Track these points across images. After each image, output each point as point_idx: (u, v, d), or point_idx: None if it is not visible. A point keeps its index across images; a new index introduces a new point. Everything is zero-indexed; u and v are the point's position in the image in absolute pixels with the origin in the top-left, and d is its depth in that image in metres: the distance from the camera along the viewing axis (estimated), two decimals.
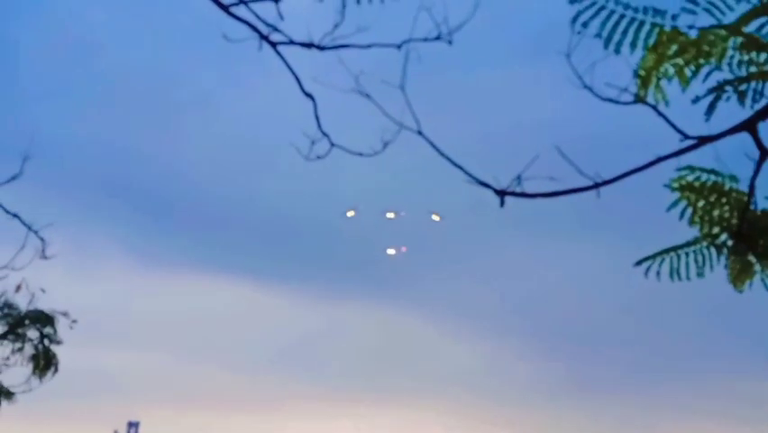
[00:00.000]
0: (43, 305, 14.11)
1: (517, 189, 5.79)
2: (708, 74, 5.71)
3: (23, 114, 18.09)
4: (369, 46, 11.78)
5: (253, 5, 12.09)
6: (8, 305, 14.05)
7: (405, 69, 5.96)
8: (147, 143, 20.12)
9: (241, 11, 12.10)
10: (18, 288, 13.56)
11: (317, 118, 12.42)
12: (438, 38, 11.23)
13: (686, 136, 5.46)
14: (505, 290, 20.61)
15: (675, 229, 6.61)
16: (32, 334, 14.06)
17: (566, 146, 6.05)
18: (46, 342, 14.06)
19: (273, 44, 12.05)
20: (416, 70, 7.54)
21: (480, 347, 21.48)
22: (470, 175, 5.85)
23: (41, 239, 12.04)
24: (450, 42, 11.35)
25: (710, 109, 5.47)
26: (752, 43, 5.54)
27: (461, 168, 5.84)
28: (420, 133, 5.85)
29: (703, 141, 5.42)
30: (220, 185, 20.34)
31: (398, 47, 11.57)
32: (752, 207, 6.13)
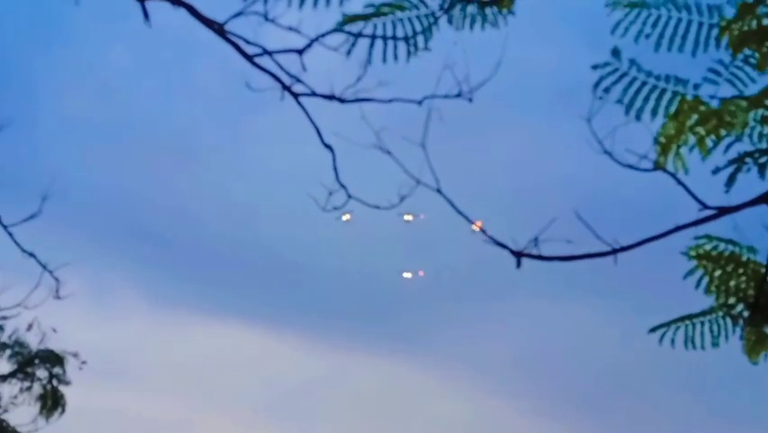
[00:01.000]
0: (54, 345, 14.12)
1: (534, 251, 5.79)
2: (730, 145, 5.73)
3: (44, 153, 18.23)
4: (390, 101, 11.89)
5: (277, 56, 12.27)
6: (19, 343, 14.06)
7: (426, 126, 5.97)
8: (166, 188, 20.23)
9: (264, 61, 12.30)
10: (29, 327, 13.59)
11: (335, 170, 12.55)
12: (459, 95, 11.39)
13: (705, 206, 5.47)
14: (512, 348, 20.46)
15: (691, 297, 6.59)
16: (41, 373, 14.06)
17: (585, 209, 6.06)
18: (54, 382, 14.05)
19: (295, 95, 12.19)
20: (437, 127, 7.56)
21: (482, 404, 21.27)
22: (487, 235, 5.86)
23: (56, 279, 12.06)
24: (470, 100, 11.50)
25: (730, 180, 5.48)
26: None
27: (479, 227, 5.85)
28: (439, 191, 5.87)
29: (723, 212, 5.43)
30: (235, 231, 20.37)
31: (419, 103, 11.72)
32: None
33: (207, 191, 19.91)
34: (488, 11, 5.20)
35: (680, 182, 5.91)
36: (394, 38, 5.30)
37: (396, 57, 5.36)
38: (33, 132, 17.26)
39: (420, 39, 5.30)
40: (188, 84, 18.54)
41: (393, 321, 20.76)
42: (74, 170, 18.06)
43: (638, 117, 6.24)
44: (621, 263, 5.92)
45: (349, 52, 5.25)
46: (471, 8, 5.22)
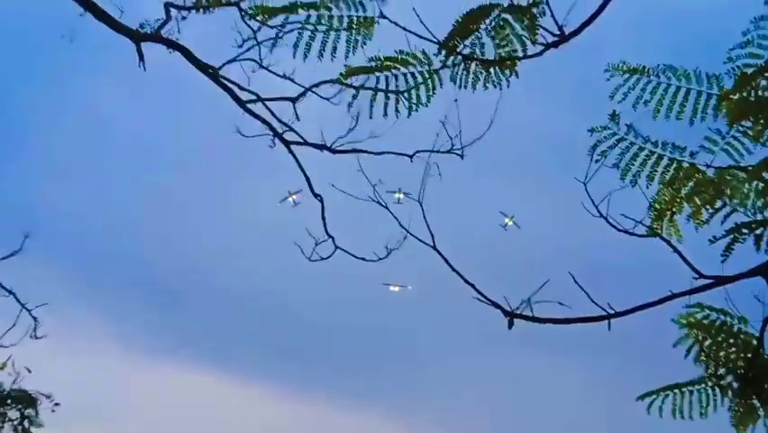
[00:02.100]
0: (28, 385, 13.87)
1: (527, 312, 5.74)
2: (727, 216, 5.73)
3: (28, 189, 18.12)
4: (381, 153, 11.97)
5: (270, 103, 12.28)
6: None
7: (423, 182, 5.94)
8: (152, 228, 20.08)
9: (257, 107, 12.30)
10: (3, 365, 13.37)
11: (324, 220, 12.56)
12: (450, 151, 11.42)
13: (700, 275, 5.44)
14: (498, 407, 20.29)
15: (681, 365, 6.54)
16: (13, 414, 13.78)
17: (578, 271, 6.04)
18: (26, 423, 13.77)
19: (287, 143, 12.23)
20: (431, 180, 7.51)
21: None
22: (480, 293, 5.81)
23: (34, 318, 11.97)
24: (462, 157, 11.53)
25: (727, 251, 5.46)
26: None
27: (472, 285, 5.81)
28: (434, 248, 5.82)
29: (719, 282, 5.40)
30: (215, 278, 20.21)
31: (411, 157, 11.75)
32: (761, 351, 6.07)
33: (189, 236, 19.82)
34: (492, 71, 5.18)
35: (675, 250, 5.90)
36: (396, 93, 5.26)
37: (397, 112, 5.32)
38: (18, 167, 17.17)
39: (422, 95, 5.26)
40: (179, 122, 18.52)
41: (377, 374, 20.60)
42: (57, 207, 17.94)
43: (634, 183, 6.24)
44: (613, 325, 5.88)
45: (350, 105, 5.21)
46: (475, 67, 5.20)
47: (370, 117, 5.44)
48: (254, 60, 11.85)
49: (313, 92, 12.02)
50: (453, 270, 5.70)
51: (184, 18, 11.65)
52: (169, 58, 11.68)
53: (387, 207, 6.20)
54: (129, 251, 19.64)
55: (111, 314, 19.97)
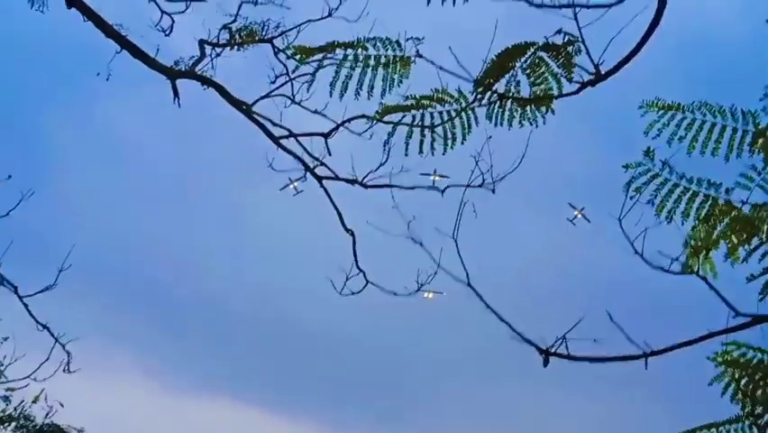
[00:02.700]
0: (61, 419, 13.93)
1: (563, 350, 5.70)
2: (765, 254, 5.69)
3: (63, 224, 18.31)
4: (413, 188, 11.99)
5: (302, 138, 12.37)
6: (25, 417, 13.86)
7: (458, 219, 5.94)
8: (184, 261, 20.21)
9: (289, 141, 12.40)
10: (36, 399, 13.44)
11: (355, 254, 12.57)
12: (482, 185, 11.42)
13: (738, 313, 5.39)
14: None
15: (717, 404, 6.46)
16: None
17: (614, 308, 6.00)
18: None
19: (319, 178, 12.29)
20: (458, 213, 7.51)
21: None
22: (515, 331, 5.79)
23: (67, 352, 12.04)
24: (493, 192, 11.52)
25: (765, 290, 5.42)
26: None
27: (507, 323, 5.78)
28: (469, 285, 5.81)
29: (757, 321, 5.35)
30: (247, 310, 20.28)
31: (442, 192, 11.78)
32: None
33: (222, 271, 19.90)
34: (527, 109, 5.21)
35: (711, 287, 5.84)
36: (432, 127, 5.30)
37: (432, 150, 5.36)
38: (53, 202, 17.35)
39: (458, 133, 5.30)
40: (209, 154, 18.68)
41: (396, 400, 20.52)
42: (91, 242, 18.08)
43: (669, 219, 6.21)
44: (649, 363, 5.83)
45: (386, 143, 5.24)
46: (511, 105, 5.23)
47: (406, 155, 5.46)
48: (287, 96, 11.96)
49: (345, 127, 12.10)
50: (488, 307, 5.68)
51: (218, 55, 11.83)
52: (203, 92, 11.82)
53: (421, 244, 6.20)
54: (161, 284, 19.77)
55: (142, 348, 20.06)
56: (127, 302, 19.66)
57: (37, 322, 11.79)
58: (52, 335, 11.87)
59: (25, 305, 11.78)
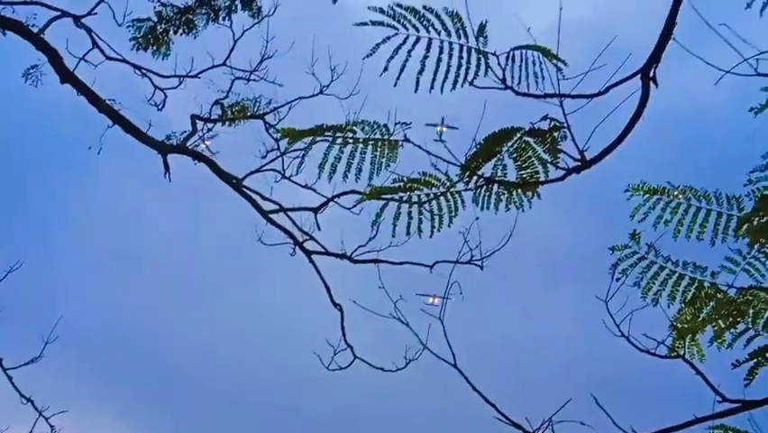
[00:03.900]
0: None
1: None
2: (751, 339, 5.70)
3: (51, 290, 18.23)
4: (401, 263, 12.04)
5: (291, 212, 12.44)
6: None
7: (444, 300, 5.96)
8: (172, 333, 20.10)
9: (279, 215, 12.45)
10: None
11: (343, 329, 12.55)
12: (470, 262, 11.47)
13: (724, 399, 5.39)
14: None
15: None
16: None
17: (600, 390, 5.99)
18: None
19: (308, 253, 12.34)
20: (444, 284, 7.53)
21: None
22: (501, 413, 5.77)
23: (51, 427, 11.91)
24: (482, 268, 11.56)
25: (750, 375, 5.42)
26: None
27: (492, 405, 5.76)
28: (455, 366, 5.81)
29: (744, 406, 5.34)
30: (233, 386, 20.11)
31: (431, 268, 11.81)
32: None
33: (210, 344, 19.80)
34: (514, 193, 5.26)
35: (698, 372, 5.84)
36: (419, 203, 5.34)
37: (420, 233, 5.39)
38: (41, 271, 17.30)
39: (445, 217, 5.34)
40: (201, 226, 18.70)
41: None
42: (79, 307, 18.01)
43: (655, 302, 6.23)
44: None
45: (374, 223, 5.28)
46: (497, 189, 5.29)
47: (393, 236, 5.50)
48: (277, 171, 12.06)
49: (335, 202, 12.19)
50: (474, 389, 5.67)
51: (210, 130, 11.95)
52: (194, 167, 11.91)
53: (407, 324, 6.21)
54: (149, 356, 19.63)
55: (128, 422, 19.82)
56: (114, 375, 19.49)
57: (21, 395, 11.69)
58: (36, 408, 11.75)
59: (9, 377, 11.69)
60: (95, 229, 19.17)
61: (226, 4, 13.66)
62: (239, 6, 13.61)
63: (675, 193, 6.11)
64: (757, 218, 5.76)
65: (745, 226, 5.84)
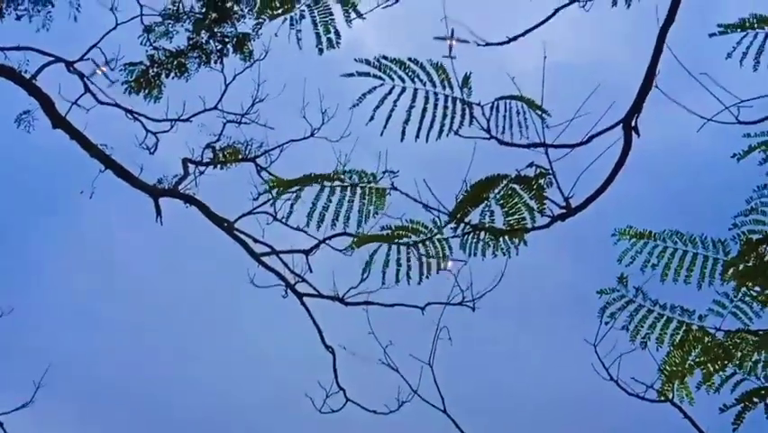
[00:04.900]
0: None
1: None
2: (738, 383, 5.73)
3: (39, 334, 18.18)
4: (393, 305, 12.04)
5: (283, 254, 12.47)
6: None
7: (434, 345, 5.99)
8: (163, 374, 20.00)
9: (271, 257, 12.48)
10: None
11: (335, 371, 12.53)
12: (462, 303, 11.48)
13: None
14: None
15: None
16: None
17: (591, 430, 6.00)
18: None
19: (299, 295, 12.35)
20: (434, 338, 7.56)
21: None
22: None
23: None
24: (473, 309, 11.58)
25: (738, 420, 5.44)
26: None
27: None
28: (445, 411, 5.83)
29: None
30: (227, 423, 19.98)
31: (422, 309, 11.82)
32: None
33: (201, 385, 19.71)
34: (501, 240, 5.31)
35: (686, 415, 5.88)
36: (408, 245, 5.39)
37: (409, 279, 5.43)
38: (30, 316, 17.26)
39: (433, 263, 5.38)
40: (193, 266, 18.69)
41: None
42: (69, 351, 17.94)
43: (644, 345, 6.26)
44: None
45: (364, 272, 5.33)
46: (484, 236, 5.33)
47: (383, 283, 5.54)
48: (269, 213, 12.12)
49: (326, 244, 12.23)
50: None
51: (202, 173, 12.02)
52: (186, 210, 11.97)
53: (397, 370, 6.23)
54: (140, 398, 19.53)
55: None
56: (109, 419, 19.38)
57: None
58: None
59: (0, 423, 11.63)
60: (84, 273, 19.15)
61: (218, 48, 13.78)
62: (230, 50, 13.73)
63: (662, 237, 6.17)
64: (743, 262, 5.82)
65: (731, 270, 5.90)
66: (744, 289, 6.00)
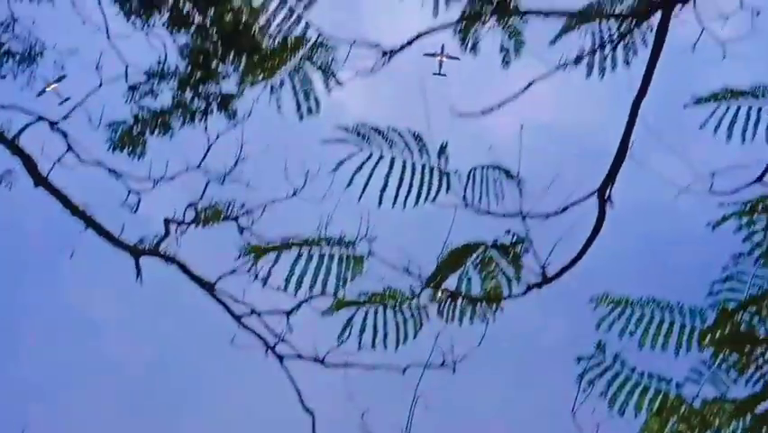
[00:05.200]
0: None
1: None
2: None
3: (19, 403, 17.96)
4: (373, 367, 11.94)
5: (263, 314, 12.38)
6: None
7: (410, 414, 5.96)
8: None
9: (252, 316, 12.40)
10: None
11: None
12: (443, 365, 11.41)
13: None
14: None
15: None
16: None
17: None
18: None
19: (279, 357, 12.24)
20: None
21: None
22: None
23: None
24: (454, 371, 11.49)
25: None
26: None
27: None
28: None
29: None
30: None
31: (403, 371, 11.72)
32: None
33: None
34: (477, 307, 5.33)
35: None
36: (385, 323, 5.39)
37: (385, 345, 5.43)
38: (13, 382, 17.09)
39: (410, 331, 5.38)
40: (171, 332, 18.56)
41: None
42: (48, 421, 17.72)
43: (622, 412, 6.25)
44: None
45: (340, 337, 5.33)
46: (462, 302, 5.35)
47: (359, 349, 5.53)
48: (250, 273, 12.04)
49: (308, 304, 12.15)
50: None
51: (183, 233, 11.97)
52: (166, 269, 11.90)
53: None
54: None
55: None
56: None
57: None
58: None
59: None
60: (63, 335, 19.00)
61: (203, 106, 13.85)
62: (215, 109, 13.80)
63: (639, 304, 6.20)
64: (720, 330, 5.85)
65: (708, 338, 5.92)
66: (721, 356, 6.01)
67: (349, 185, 5.00)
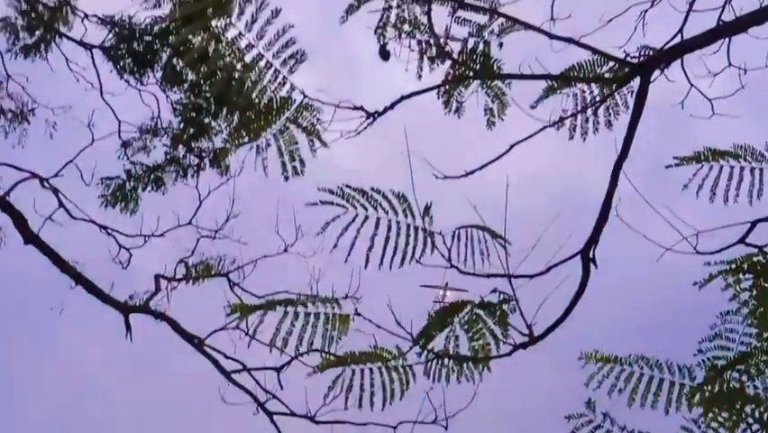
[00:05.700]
0: None
1: None
2: None
3: None
4: (365, 424, 11.86)
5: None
6: None
7: None
8: None
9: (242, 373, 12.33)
10: None
11: None
12: (435, 422, 11.32)
13: None
14: None
15: None
16: None
17: None
18: None
19: (270, 414, 12.15)
20: None
21: None
22: None
23: None
24: (446, 428, 11.40)
25: None
26: None
27: None
28: None
29: None
30: None
31: (394, 429, 11.64)
32: None
33: None
34: (465, 366, 5.32)
35: None
36: (371, 383, 5.37)
37: (372, 404, 5.40)
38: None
39: (396, 390, 5.36)
40: (164, 388, 18.41)
41: None
42: None
43: None
44: None
45: (326, 396, 5.30)
46: (449, 362, 5.34)
47: (345, 408, 5.51)
48: (241, 329, 12.01)
49: (298, 360, 12.10)
50: None
51: (174, 289, 11.97)
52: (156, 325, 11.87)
53: None
54: None
55: None
56: None
57: None
58: None
59: None
60: (52, 395, 18.83)
61: (195, 162, 13.93)
62: (207, 164, 13.87)
63: (628, 362, 6.17)
64: (709, 388, 5.82)
65: (697, 396, 5.89)
66: (710, 415, 5.98)
67: (335, 247, 5.01)
